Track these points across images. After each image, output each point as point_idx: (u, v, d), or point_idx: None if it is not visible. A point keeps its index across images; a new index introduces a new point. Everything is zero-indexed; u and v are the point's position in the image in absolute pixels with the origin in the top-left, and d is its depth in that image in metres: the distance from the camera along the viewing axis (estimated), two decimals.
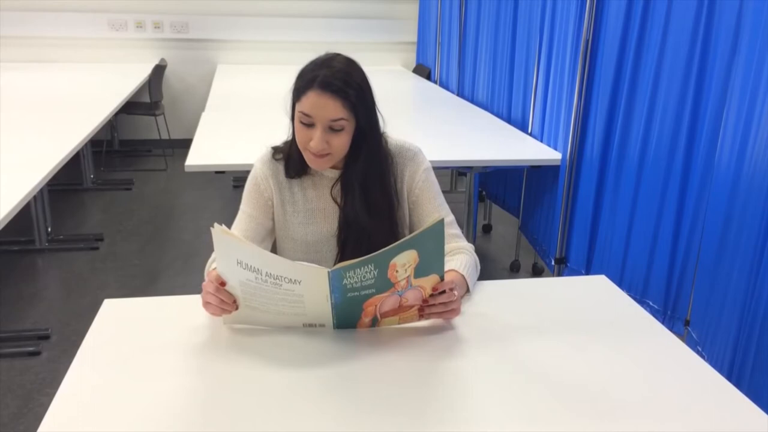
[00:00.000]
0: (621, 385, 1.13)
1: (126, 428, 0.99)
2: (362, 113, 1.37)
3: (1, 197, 2.01)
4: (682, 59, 2.16)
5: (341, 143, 1.37)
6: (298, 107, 1.36)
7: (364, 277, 1.17)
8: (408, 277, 1.20)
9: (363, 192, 1.44)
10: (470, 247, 1.51)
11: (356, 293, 1.20)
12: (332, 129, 1.35)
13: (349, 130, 1.37)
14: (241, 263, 1.17)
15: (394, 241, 1.16)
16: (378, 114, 1.43)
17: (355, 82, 1.35)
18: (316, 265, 1.16)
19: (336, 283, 1.17)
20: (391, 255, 1.16)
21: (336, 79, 1.32)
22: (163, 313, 1.35)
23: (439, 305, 1.26)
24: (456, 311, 1.30)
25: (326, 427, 1.00)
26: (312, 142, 1.34)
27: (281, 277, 1.17)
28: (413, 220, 1.53)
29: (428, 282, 1.23)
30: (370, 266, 1.16)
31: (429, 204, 1.51)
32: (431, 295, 1.25)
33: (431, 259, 1.21)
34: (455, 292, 1.27)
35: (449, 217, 1.53)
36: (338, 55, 1.39)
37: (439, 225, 1.18)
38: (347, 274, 1.16)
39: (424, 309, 1.27)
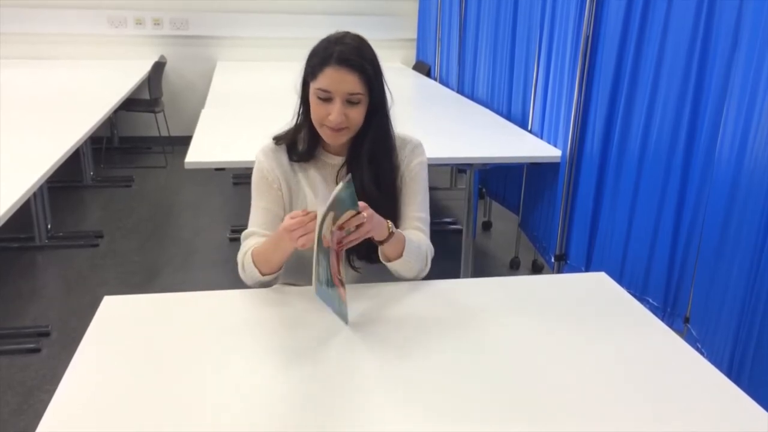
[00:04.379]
0: (620, 383, 1.13)
1: (126, 425, 0.99)
2: (376, 88, 1.41)
3: (1, 194, 2.01)
4: (682, 56, 2.16)
5: (358, 116, 1.40)
6: (314, 85, 1.39)
7: (319, 264, 1.24)
8: (332, 231, 1.26)
9: (371, 164, 1.46)
10: (430, 247, 1.54)
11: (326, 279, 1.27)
12: (350, 102, 1.38)
13: (364, 103, 1.41)
14: None
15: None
16: (387, 90, 1.46)
17: (368, 58, 1.39)
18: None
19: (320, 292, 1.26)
20: (320, 231, 1.21)
21: (352, 55, 1.36)
22: (163, 310, 1.35)
23: (353, 233, 1.29)
24: (367, 227, 1.29)
25: (326, 427, 1.01)
26: (331, 116, 1.37)
27: None
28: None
29: (345, 217, 1.27)
30: (319, 256, 1.23)
31: (411, 196, 1.54)
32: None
33: (347, 210, 1.27)
34: (363, 214, 1.28)
35: (422, 214, 1.55)
36: (348, 32, 1.42)
37: (347, 185, 1.20)
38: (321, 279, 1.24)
39: (343, 242, 1.31)
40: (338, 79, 1.36)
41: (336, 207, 1.23)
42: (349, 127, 1.41)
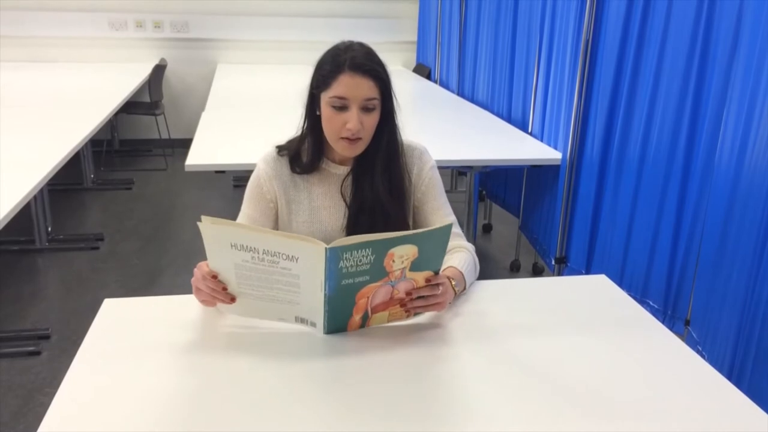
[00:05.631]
0: (621, 385, 1.13)
1: (126, 427, 0.99)
2: (388, 94, 1.40)
3: (1, 197, 2.01)
4: (682, 59, 2.16)
5: (373, 123, 1.39)
6: (328, 94, 1.36)
7: (360, 261, 1.16)
8: (403, 269, 1.20)
9: (384, 171, 1.45)
10: (471, 247, 1.51)
11: (350, 280, 1.17)
12: (365, 109, 1.36)
13: (378, 110, 1.39)
14: (235, 245, 1.16)
15: (406, 229, 1.15)
16: (394, 97, 1.44)
17: (379, 63, 1.39)
18: (315, 240, 1.14)
19: (332, 265, 1.14)
20: (391, 244, 1.16)
21: (365, 60, 1.35)
22: (164, 312, 1.35)
23: (421, 299, 1.26)
24: (441, 305, 1.29)
25: (325, 427, 1.01)
26: (349, 124, 1.35)
27: (278, 253, 1.15)
28: (418, 218, 1.54)
29: (421, 276, 1.24)
30: (367, 250, 1.15)
31: (434, 202, 1.52)
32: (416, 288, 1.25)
33: (430, 258, 1.22)
34: (439, 287, 1.27)
35: (451, 217, 1.54)
36: (353, 41, 1.41)
37: (447, 229, 1.20)
38: (344, 255, 1.14)
39: (407, 304, 1.26)
40: (354, 85, 1.33)
41: (420, 242, 1.18)
42: (363, 137, 1.38)
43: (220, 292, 1.23)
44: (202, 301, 1.28)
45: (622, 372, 1.17)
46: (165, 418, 1.01)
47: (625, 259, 2.52)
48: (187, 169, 2.52)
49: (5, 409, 2.27)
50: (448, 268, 1.40)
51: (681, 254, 2.27)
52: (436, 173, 1.55)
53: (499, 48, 3.83)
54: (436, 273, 1.26)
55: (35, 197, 3.34)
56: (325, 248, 1.12)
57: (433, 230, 1.19)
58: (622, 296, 1.49)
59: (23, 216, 2.46)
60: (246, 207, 1.50)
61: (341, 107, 1.35)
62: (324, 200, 1.49)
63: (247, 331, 1.28)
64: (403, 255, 1.18)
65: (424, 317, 1.34)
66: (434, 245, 1.21)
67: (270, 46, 5.83)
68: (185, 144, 2.93)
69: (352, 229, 1.47)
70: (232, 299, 1.25)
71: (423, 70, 5.57)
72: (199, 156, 2.63)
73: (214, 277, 1.22)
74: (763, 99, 1.74)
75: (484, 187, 4.14)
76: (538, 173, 3.15)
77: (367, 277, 1.19)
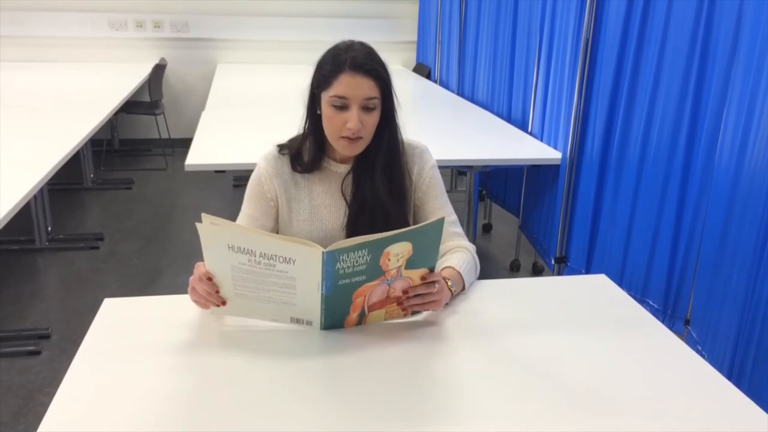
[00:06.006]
0: (621, 385, 1.13)
1: (126, 427, 0.99)
2: (388, 93, 1.41)
3: (1, 196, 2.01)
4: (682, 59, 2.16)
5: (373, 122, 1.39)
6: (328, 93, 1.36)
7: (357, 262, 1.16)
8: (399, 267, 1.21)
9: (384, 171, 1.45)
10: (472, 247, 1.51)
11: (347, 280, 1.18)
12: (366, 108, 1.36)
13: (379, 109, 1.39)
14: (233, 247, 1.17)
15: (410, 221, 1.15)
16: (395, 97, 1.44)
17: (380, 62, 1.39)
18: (312, 243, 1.15)
19: (329, 267, 1.15)
20: (387, 243, 1.17)
21: (365, 60, 1.35)
22: (164, 312, 1.35)
23: (418, 297, 1.26)
24: (437, 303, 1.30)
25: (324, 426, 1.01)
26: (350, 123, 1.35)
27: (275, 256, 1.16)
28: (419, 217, 1.54)
29: (417, 274, 1.24)
30: (364, 251, 1.16)
31: (435, 201, 1.52)
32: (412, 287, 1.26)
33: (425, 255, 1.23)
34: (435, 285, 1.27)
35: (452, 216, 1.54)
36: (353, 41, 1.41)
37: (439, 223, 1.20)
38: (341, 257, 1.15)
39: (404, 302, 1.27)
40: (354, 85, 1.34)
41: (415, 238, 1.19)
42: (363, 136, 1.38)
43: (213, 295, 1.24)
44: (195, 301, 1.28)
45: (622, 372, 1.17)
46: (165, 418, 1.01)
47: (625, 259, 2.52)
48: (187, 169, 2.52)
49: (5, 409, 2.27)
50: (445, 268, 1.40)
51: (681, 254, 2.27)
52: (437, 172, 1.55)
53: (499, 48, 3.83)
54: (432, 270, 1.27)
55: (35, 197, 3.34)
56: (322, 252, 1.13)
57: (425, 225, 1.20)
58: (622, 296, 1.49)
59: (23, 216, 2.46)
60: (246, 206, 1.50)
61: (342, 107, 1.35)
62: (324, 199, 1.49)
63: (246, 330, 1.28)
64: (398, 253, 1.19)
65: (422, 316, 1.34)
66: (428, 241, 1.22)
67: (270, 46, 5.83)
68: (185, 144, 2.93)
69: (352, 228, 1.47)
70: (223, 303, 1.25)
71: (423, 69, 5.58)
72: (199, 156, 2.63)
73: (210, 279, 1.23)
74: (763, 99, 1.74)
75: (484, 186, 4.14)
76: (538, 173, 3.15)
77: (364, 277, 1.19)
